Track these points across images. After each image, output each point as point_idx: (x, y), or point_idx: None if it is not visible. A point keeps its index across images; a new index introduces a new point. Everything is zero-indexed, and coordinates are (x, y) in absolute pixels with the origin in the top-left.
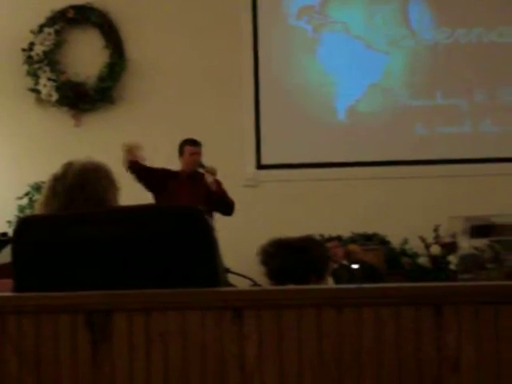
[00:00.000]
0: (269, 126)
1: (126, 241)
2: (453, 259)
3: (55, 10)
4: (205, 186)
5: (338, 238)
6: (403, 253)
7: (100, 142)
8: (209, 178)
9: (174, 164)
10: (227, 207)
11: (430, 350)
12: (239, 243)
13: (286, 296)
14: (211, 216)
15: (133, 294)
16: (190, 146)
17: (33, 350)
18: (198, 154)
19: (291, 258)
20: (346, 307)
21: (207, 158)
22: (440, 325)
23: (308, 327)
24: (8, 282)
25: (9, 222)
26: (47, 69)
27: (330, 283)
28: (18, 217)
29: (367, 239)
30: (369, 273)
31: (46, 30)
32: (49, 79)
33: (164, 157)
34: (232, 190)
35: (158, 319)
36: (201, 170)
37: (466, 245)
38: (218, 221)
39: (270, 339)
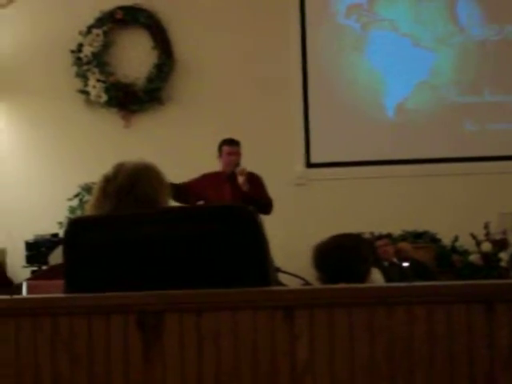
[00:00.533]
0: (318, 124)
1: (178, 241)
2: (504, 256)
3: (103, 11)
4: (232, 188)
5: (389, 236)
6: (454, 250)
7: (150, 142)
8: (239, 179)
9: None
10: (261, 207)
11: (482, 348)
12: (289, 241)
13: (338, 295)
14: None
15: (184, 295)
16: (227, 145)
17: (84, 351)
18: (236, 153)
19: (344, 258)
20: (397, 305)
21: (257, 158)
22: (492, 322)
23: (359, 326)
24: (59, 283)
25: (60, 223)
26: (96, 70)
27: (380, 281)
28: (69, 218)
29: (417, 237)
30: (419, 271)
31: (95, 31)
32: (98, 80)
33: (213, 156)
34: (281, 189)
35: (209, 319)
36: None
37: None
38: (269, 220)
39: (321, 338)
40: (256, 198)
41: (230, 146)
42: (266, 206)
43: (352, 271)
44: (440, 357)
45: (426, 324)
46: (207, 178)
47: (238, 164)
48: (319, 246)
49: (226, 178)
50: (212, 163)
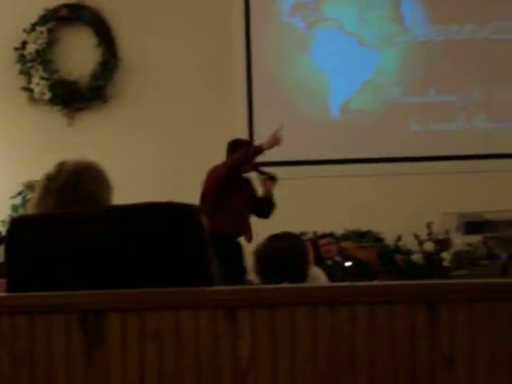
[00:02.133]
0: (262, 123)
1: (119, 240)
2: (446, 256)
3: (48, 8)
4: (247, 188)
5: (332, 235)
6: (397, 250)
7: (93, 140)
8: (268, 184)
9: (165, 162)
10: (270, 210)
11: (424, 349)
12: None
13: (280, 294)
14: (249, 219)
15: (126, 294)
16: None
17: (26, 350)
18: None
19: (282, 258)
20: (339, 305)
21: (201, 157)
22: (434, 322)
23: (302, 326)
24: (1, 282)
25: (2, 221)
26: (40, 67)
27: (323, 280)
28: (12, 216)
29: (361, 236)
30: (362, 270)
31: (39, 28)
32: (41, 78)
33: (156, 156)
34: None
35: (151, 319)
36: (255, 174)
37: (459, 241)
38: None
39: (263, 338)
40: (272, 202)
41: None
42: (274, 209)
43: (291, 271)
44: (382, 356)
45: (368, 324)
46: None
47: (256, 168)
48: (257, 250)
49: (237, 179)
50: (155, 162)
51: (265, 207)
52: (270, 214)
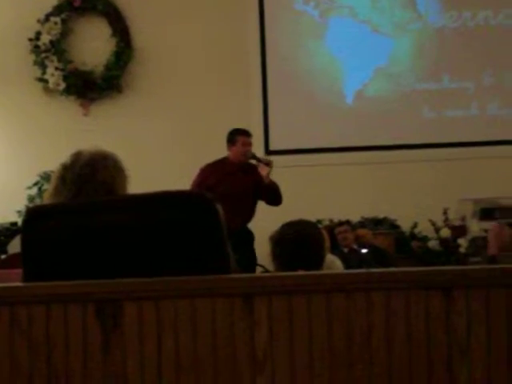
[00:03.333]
0: (277, 111)
1: (135, 229)
2: (463, 242)
3: None
4: (253, 176)
5: (348, 223)
6: (413, 236)
7: (108, 130)
8: (264, 170)
9: (181, 151)
10: (277, 198)
11: (440, 335)
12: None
13: (296, 282)
14: (254, 206)
15: (142, 283)
16: (243, 136)
17: (43, 340)
18: (250, 144)
19: (299, 244)
20: (355, 292)
21: (216, 145)
22: (450, 308)
23: (318, 313)
24: (18, 272)
25: (18, 211)
26: (54, 58)
27: (340, 267)
28: (28, 206)
29: (377, 223)
30: (379, 257)
31: (53, 19)
32: (56, 68)
33: (171, 145)
34: None
35: (167, 307)
36: (252, 162)
37: (475, 227)
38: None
39: (280, 325)
40: (275, 187)
41: (247, 136)
42: (280, 195)
43: (307, 257)
44: (398, 343)
45: (384, 310)
46: (215, 168)
47: (252, 155)
48: (273, 237)
49: (240, 167)
50: (169, 150)
51: (268, 193)
52: (278, 200)
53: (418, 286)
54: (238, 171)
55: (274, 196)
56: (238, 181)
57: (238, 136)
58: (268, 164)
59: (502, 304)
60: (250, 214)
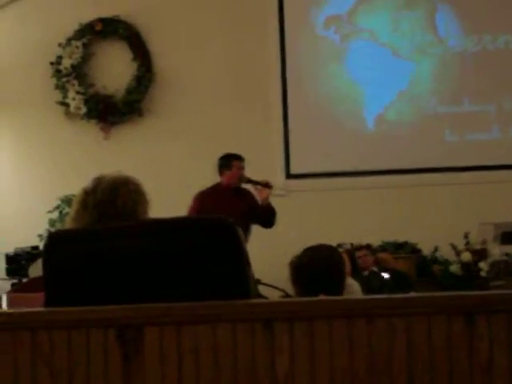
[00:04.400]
0: (298, 135)
1: (157, 254)
2: (484, 266)
3: (83, 22)
4: (247, 200)
5: (369, 247)
6: (434, 260)
7: (129, 154)
8: (263, 193)
9: (202, 174)
10: (271, 218)
11: (462, 360)
12: (270, 253)
13: (317, 307)
14: (249, 229)
15: (163, 308)
16: (238, 161)
17: (65, 365)
18: (243, 168)
19: (318, 270)
20: (376, 317)
21: None
22: (472, 334)
23: (339, 338)
24: (40, 296)
25: (40, 235)
26: (75, 82)
27: (359, 293)
28: (49, 230)
29: (398, 247)
30: (400, 281)
31: (74, 43)
32: (77, 92)
33: (192, 168)
34: None
35: (189, 332)
36: (247, 186)
37: (496, 251)
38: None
39: (301, 351)
40: (272, 210)
41: (241, 161)
42: (275, 217)
43: (327, 282)
44: (420, 369)
45: (405, 336)
46: (210, 195)
47: (247, 179)
48: (293, 261)
49: (234, 192)
50: (190, 174)
51: (265, 216)
52: (273, 223)
53: (440, 311)
54: (233, 196)
55: (269, 218)
56: (233, 205)
57: (233, 161)
58: (267, 185)
59: None
60: (246, 238)
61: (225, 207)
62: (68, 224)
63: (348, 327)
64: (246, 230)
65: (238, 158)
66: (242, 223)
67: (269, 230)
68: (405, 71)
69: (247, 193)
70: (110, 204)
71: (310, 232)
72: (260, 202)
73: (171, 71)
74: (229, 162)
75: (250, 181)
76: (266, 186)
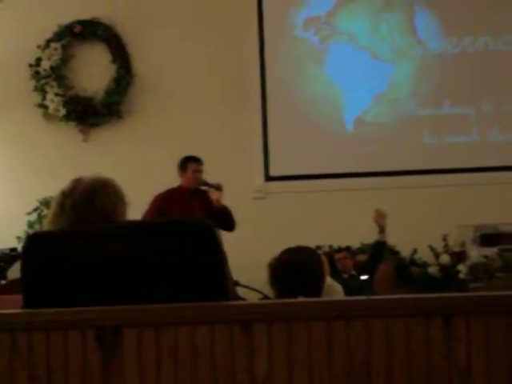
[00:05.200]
0: (277, 137)
1: (135, 256)
2: (462, 268)
3: (62, 24)
4: (204, 202)
5: (347, 249)
6: (413, 262)
7: (108, 156)
8: (214, 195)
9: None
10: (229, 223)
11: (440, 362)
12: (248, 255)
13: (296, 309)
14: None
15: (142, 309)
16: (193, 163)
17: (43, 366)
18: (201, 171)
19: (296, 271)
20: (355, 319)
21: (216, 172)
22: (449, 335)
23: (318, 340)
24: (18, 298)
25: (18, 237)
26: (54, 84)
27: (341, 294)
28: (28, 232)
29: None
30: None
31: (53, 45)
32: (56, 94)
33: (171, 171)
34: (241, 202)
35: (167, 334)
36: (204, 188)
37: (475, 254)
38: (227, 233)
39: (279, 353)
40: (227, 212)
41: (197, 163)
42: (233, 221)
43: (306, 284)
44: (398, 370)
45: (384, 337)
46: (166, 197)
47: (203, 181)
48: (272, 264)
49: (192, 193)
50: (170, 177)
51: (220, 218)
52: (231, 225)
53: (418, 312)
54: (191, 197)
55: (225, 221)
56: (190, 206)
57: (188, 163)
58: (218, 188)
59: (502, 331)
60: None
61: (181, 209)
62: (46, 226)
63: (326, 329)
64: None
65: (194, 160)
66: None
67: (247, 232)
68: (384, 73)
69: (204, 194)
70: (88, 206)
71: (288, 234)
72: (214, 204)
73: (150, 73)
74: (184, 164)
75: (205, 183)
76: (217, 188)
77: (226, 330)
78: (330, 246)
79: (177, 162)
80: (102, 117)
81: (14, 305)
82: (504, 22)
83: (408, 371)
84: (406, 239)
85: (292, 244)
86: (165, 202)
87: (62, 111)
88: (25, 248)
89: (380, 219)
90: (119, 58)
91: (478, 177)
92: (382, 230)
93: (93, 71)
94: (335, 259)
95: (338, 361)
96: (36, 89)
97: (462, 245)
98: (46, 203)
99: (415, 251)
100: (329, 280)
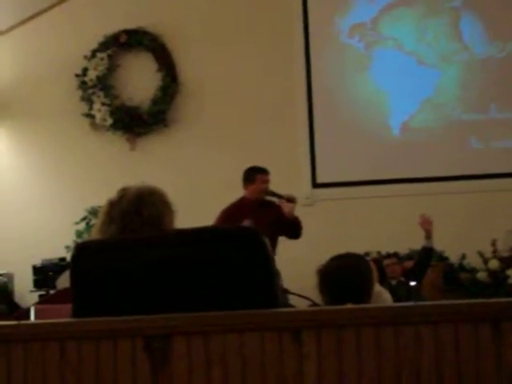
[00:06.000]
0: (323, 144)
1: (184, 264)
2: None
3: (107, 34)
4: (273, 212)
5: (396, 255)
6: (462, 268)
7: (155, 164)
8: (287, 207)
9: (229, 185)
10: (297, 232)
11: (490, 367)
12: (297, 262)
13: (345, 315)
14: (276, 241)
15: (191, 317)
16: (262, 174)
17: (93, 376)
18: (268, 181)
19: (345, 278)
20: (404, 325)
21: None
22: (499, 341)
23: (367, 346)
24: (67, 308)
25: (67, 247)
26: (101, 94)
27: (389, 300)
28: (76, 242)
29: None
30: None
31: (99, 54)
32: (103, 104)
33: (219, 178)
34: None
35: (216, 342)
36: (271, 198)
37: None
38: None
39: (329, 359)
40: (298, 222)
41: (265, 174)
42: (301, 228)
43: (355, 290)
44: (448, 377)
45: (433, 344)
46: (237, 209)
47: (270, 192)
48: (320, 270)
49: (259, 204)
50: (218, 184)
51: (290, 228)
52: (299, 235)
53: (467, 318)
54: (258, 208)
55: (295, 231)
56: (259, 218)
57: (256, 174)
58: (291, 200)
59: None
60: (274, 249)
61: (249, 220)
62: (94, 235)
63: (375, 335)
64: (274, 242)
65: (262, 171)
66: (269, 235)
67: (297, 240)
68: (430, 79)
69: (272, 205)
70: (136, 215)
71: (337, 241)
72: (285, 216)
73: (196, 81)
74: (252, 175)
75: (274, 194)
76: (290, 200)
77: (276, 338)
78: (378, 252)
79: (223, 168)
80: (148, 126)
81: (64, 314)
82: None
83: (458, 377)
84: (455, 245)
85: (340, 250)
86: (234, 215)
87: (109, 121)
88: (73, 257)
89: (426, 224)
90: (165, 66)
91: None
92: (428, 236)
93: (139, 80)
94: (384, 265)
95: (387, 367)
96: (83, 99)
97: (511, 250)
98: (94, 212)
99: (464, 256)
100: (377, 287)
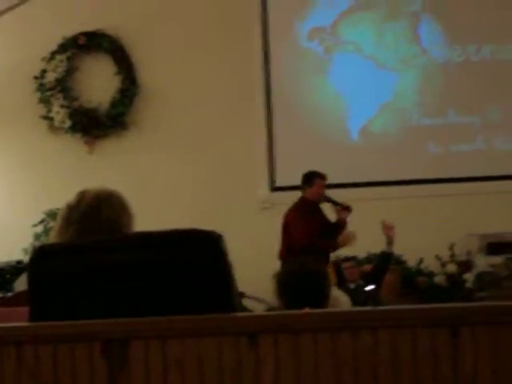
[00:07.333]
0: (282, 147)
1: (142, 268)
2: (469, 277)
3: (66, 36)
4: (325, 217)
5: (354, 259)
6: (419, 272)
7: (113, 167)
8: (343, 214)
9: (186, 187)
10: (337, 236)
11: (447, 372)
12: (255, 265)
13: (302, 320)
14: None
15: (149, 322)
16: (320, 179)
17: (50, 380)
18: (325, 187)
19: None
20: (361, 330)
21: (221, 182)
22: (456, 346)
23: (324, 351)
24: (24, 310)
25: (25, 249)
26: (60, 96)
27: (347, 304)
28: (34, 244)
29: None
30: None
31: (58, 57)
32: (61, 106)
33: (176, 181)
34: (246, 213)
35: (174, 346)
36: (328, 204)
37: (481, 263)
38: (234, 243)
39: (286, 364)
40: (343, 228)
41: (324, 179)
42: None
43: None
44: (405, 382)
45: (390, 348)
46: (311, 208)
47: (326, 198)
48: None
49: (317, 207)
50: (175, 187)
51: (334, 231)
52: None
53: (424, 323)
54: (316, 211)
55: (334, 234)
56: (320, 219)
57: (316, 178)
58: (348, 209)
59: (510, 341)
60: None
61: (316, 222)
62: (52, 238)
63: (332, 340)
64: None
65: (321, 176)
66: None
67: (253, 242)
68: (389, 83)
69: (321, 210)
70: (94, 218)
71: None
72: (337, 221)
73: (155, 84)
74: (312, 179)
75: (330, 200)
76: (347, 209)
77: (233, 342)
78: (337, 256)
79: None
80: (107, 128)
81: (21, 317)
82: (508, 30)
83: (415, 382)
84: (413, 248)
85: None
86: (312, 214)
87: (68, 123)
88: (31, 260)
89: (387, 230)
90: (124, 69)
91: (484, 185)
92: (390, 242)
93: (98, 83)
94: (342, 268)
95: (344, 372)
96: (41, 101)
97: (469, 254)
98: (52, 215)
99: (421, 260)
100: (335, 291)
